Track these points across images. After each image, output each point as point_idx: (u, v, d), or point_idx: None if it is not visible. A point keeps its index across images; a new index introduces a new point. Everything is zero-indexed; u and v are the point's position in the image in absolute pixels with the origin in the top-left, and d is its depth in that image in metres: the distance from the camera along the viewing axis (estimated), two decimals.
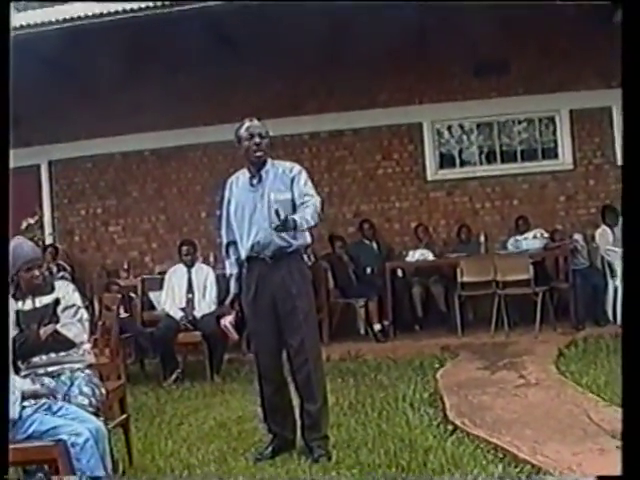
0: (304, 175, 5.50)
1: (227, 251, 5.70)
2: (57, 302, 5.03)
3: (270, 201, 5.38)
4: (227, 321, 5.59)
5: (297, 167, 5.56)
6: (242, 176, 5.62)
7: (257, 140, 5.42)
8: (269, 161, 5.52)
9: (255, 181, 5.49)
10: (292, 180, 5.45)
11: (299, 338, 5.43)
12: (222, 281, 9.34)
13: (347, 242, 11.14)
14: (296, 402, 5.63)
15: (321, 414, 5.51)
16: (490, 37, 10.35)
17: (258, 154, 5.44)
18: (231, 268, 5.69)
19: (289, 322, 5.43)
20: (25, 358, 4.92)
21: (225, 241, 5.68)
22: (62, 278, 5.89)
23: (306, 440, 5.49)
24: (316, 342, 5.62)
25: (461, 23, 9.83)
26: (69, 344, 4.99)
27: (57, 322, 4.96)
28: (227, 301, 5.63)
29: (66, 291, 5.13)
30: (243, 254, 5.50)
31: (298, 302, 5.43)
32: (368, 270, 10.77)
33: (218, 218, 5.90)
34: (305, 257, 5.70)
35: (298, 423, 5.59)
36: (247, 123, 5.52)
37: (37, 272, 4.97)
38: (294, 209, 5.37)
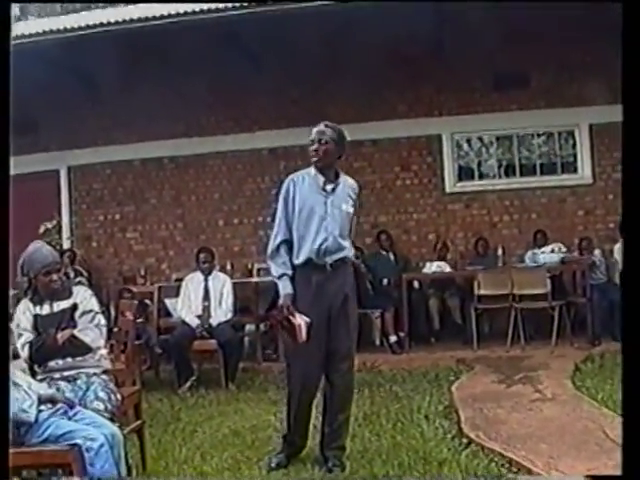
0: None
1: (277, 249, 5.44)
2: (75, 307, 5.05)
3: (342, 211, 5.43)
4: (303, 321, 5.35)
5: (356, 185, 5.63)
6: (307, 177, 5.48)
7: (315, 147, 5.43)
8: (341, 174, 5.54)
9: (329, 187, 5.44)
10: (356, 196, 5.54)
11: (348, 345, 5.46)
12: (239, 289, 9.42)
13: (364, 252, 11.12)
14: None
15: (346, 424, 5.53)
16: (510, 50, 10.37)
17: (314, 159, 5.44)
18: (282, 268, 5.41)
19: (341, 330, 5.42)
20: (42, 362, 4.94)
21: (280, 239, 5.44)
22: (79, 283, 5.89)
23: (323, 449, 5.45)
24: (354, 353, 5.67)
25: (481, 36, 9.85)
26: (86, 349, 5.01)
27: (75, 327, 4.99)
28: (280, 301, 5.44)
29: (84, 296, 5.16)
30: (302, 257, 5.38)
31: (351, 310, 5.50)
32: (385, 281, 10.74)
33: (273, 214, 5.83)
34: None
35: (319, 431, 5.57)
36: (315, 127, 5.52)
37: (55, 276, 4.99)
38: (351, 219, 5.51)
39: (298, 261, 5.38)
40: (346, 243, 5.47)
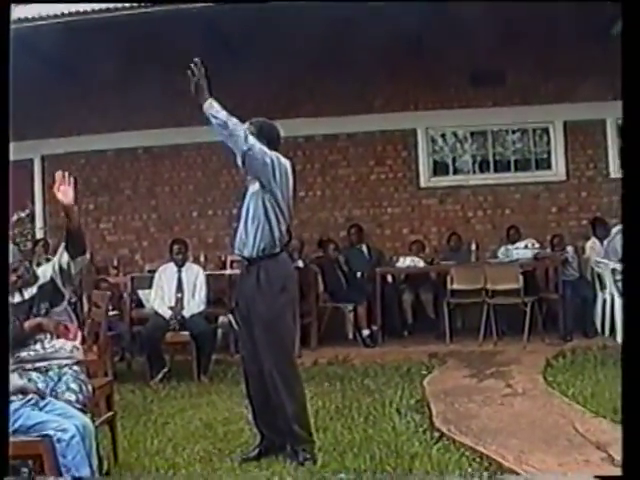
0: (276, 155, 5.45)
1: None
2: (42, 286, 5.01)
3: (248, 195, 5.45)
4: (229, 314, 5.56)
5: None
6: None
7: None
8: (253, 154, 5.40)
9: (247, 178, 5.54)
10: (277, 172, 5.39)
11: (263, 348, 5.37)
12: (213, 281, 9.40)
13: (339, 246, 11.14)
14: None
15: (294, 421, 5.39)
16: (487, 47, 10.39)
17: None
18: None
19: (256, 329, 5.39)
20: (11, 351, 4.90)
21: None
22: (43, 262, 5.82)
23: (290, 443, 5.45)
24: (282, 353, 5.43)
25: (459, 32, 9.87)
26: (61, 296, 4.99)
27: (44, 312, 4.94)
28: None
29: (45, 269, 5.11)
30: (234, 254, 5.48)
31: (260, 311, 5.35)
32: (358, 275, 10.77)
33: None
34: (283, 262, 5.55)
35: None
36: None
37: (13, 277, 4.91)
38: (263, 199, 5.33)
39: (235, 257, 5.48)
40: (254, 229, 5.34)
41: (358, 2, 8.97)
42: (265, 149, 5.33)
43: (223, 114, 5.20)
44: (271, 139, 5.52)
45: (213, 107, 5.21)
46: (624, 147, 3.48)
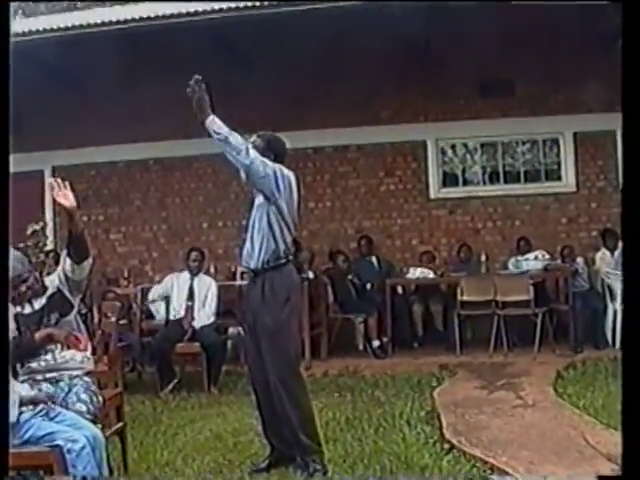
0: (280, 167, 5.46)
1: None
2: (51, 297, 5.01)
3: (254, 208, 5.47)
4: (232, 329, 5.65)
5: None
6: None
7: None
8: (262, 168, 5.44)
9: (254, 191, 5.55)
10: (279, 183, 5.40)
11: (268, 358, 5.37)
12: (223, 292, 9.41)
13: (349, 258, 11.15)
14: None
15: (302, 432, 5.37)
16: (496, 58, 10.41)
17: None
18: None
19: (261, 340, 5.40)
20: (20, 361, 4.90)
21: None
22: (48, 274, 5.80)
23: (300, 454, 5.42)
24: (286, 364, 5.42)
25: (467, 43, 9.89)
26: (69, 306, 4.99)
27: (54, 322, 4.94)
28: None
29: (52, 279, 5.10)
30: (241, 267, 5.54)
31: (265, 322, 5.37)
32: (368, 286, 10.76)
33: None
34: (288, 273, 5.54)
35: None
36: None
37: (23, 288, 4.91)
38: (268, 211, 5.36)
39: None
40: (259, 241, 5.38)
41: (366, 13, 8.98)
42: (267, 162, 5.35)
43: (225, 130, 5.26)
44: (278, 152, 5.57)
45: (215, 123, 5.29)
46: (624, 151, 3.47)
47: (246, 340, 5.68)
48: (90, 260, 4.97)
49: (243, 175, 5.35)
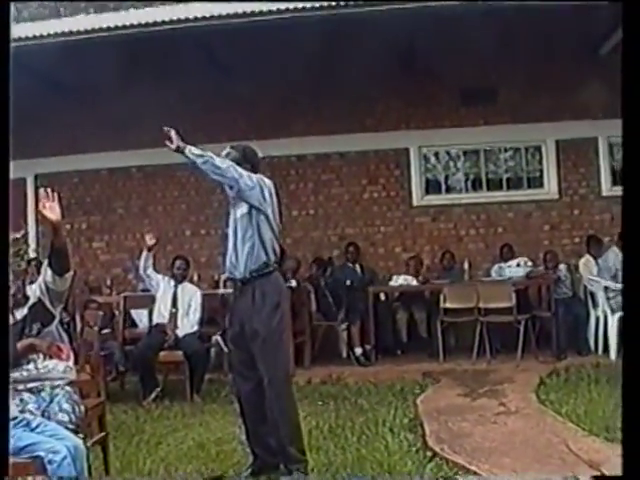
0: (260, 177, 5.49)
1: None
2: (32, 307, 4.99)
3: (236, 219, 5.48)
4: (218, 335, 5.69)
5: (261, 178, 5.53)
6: None
7: None
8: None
9: (231, 204, 5.56)
10: (261, 194, 5.43)
11: (259, 364, 5.40)
12: (207, 301, 9.39)
13: (333, 265, 11.18)
14: None
15: (289, 441, 5.39)
16: (478, 66, 10.45)
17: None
18: None
19: (252, 347, 5.42)
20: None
21: None
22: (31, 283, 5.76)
23: (284, 463, 5.43)
24: (278, 370, 5.46)
25: (450, 51, 9.92)
26: (51, 316, 4.97)
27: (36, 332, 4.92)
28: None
29: (34, 289, 5.08)
30: (223, 276, 5.59)
31: (256, 328, 5.38)
32: (351, 294, 10.74)
33: None
34: (275, 280, 5.59)
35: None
36: (223, 152, 5.57)
37: None
38: (251, 221, 5.41)
39: (224, 278, 5.56)
40: (246, 250, 5.41)
41: (350, 21, 9.00)
42: (251, 174, 5.40)
43: (206, 152, 5.29)
44: (254, 162, 5.62)
45: (194, 150, 5.31)
46: (623, 161, 3.49)
47: (233, 348, 5.69)
48: (72, 272, 4.95)
49: (229, 190, 5.38)
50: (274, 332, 5.42)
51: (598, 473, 4.93)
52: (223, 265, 5.66)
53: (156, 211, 12.24)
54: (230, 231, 5.51)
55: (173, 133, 5.32)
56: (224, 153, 5.50)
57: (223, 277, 10.24)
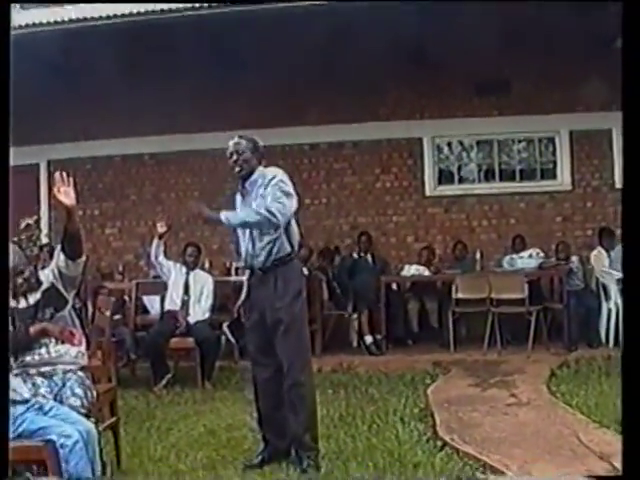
0: (279, 178, 5.48)
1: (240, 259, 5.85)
2: (46, 291, 5.00)
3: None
4: (225, 325, 5.73)
5: (277, 171, 5.55)
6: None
7: (234, 158, 5.49)
8: (257, 172, 5.53)
9: (245, 193, 5.59)
10: (268, 184, 5.45)
11: (280, 351, 5.45)
12: (218, 288, 9.39)
13: (342, 254, 11.19)
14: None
15: (304, 428, 5.46)
16: (493, 56, 10.40)
17: (236, 170, 5.51)
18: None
19: (274, 334, 5.46)
20: (14, 355, 4.89)
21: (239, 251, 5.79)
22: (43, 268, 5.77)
23: (295, 450, 5.49)
24: (299, 356, 5.54)
25: (464, 41, 9.87)
26: (64, 301, 4.98)
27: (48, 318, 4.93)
28: (235, 306, 5.78)
29: (47, 274, 5.09)
30: (241, 265, 5.63)
31: (280, 316, 5.43)
32: (363, 283, 10.74)
33: None
34: (297, 267, 5.71)
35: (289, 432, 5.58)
36: (231, 141, 5.58)
37: (20, 281, 4.89)
38: None
39: (241, 267, 5.60)
40: (267, 240, 5.45)
41: (363, 10, 8.97)
42: (284, 189, 5.44)
43: (240, 215, 5.50)
44: (262, 152, 5.64)
45: (229, 217, 5.47)
46: (624, 150, 3.47)
47: (251, 336, 5.71)
48: (84, 257, 4.96)
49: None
50: (296, 319, 5.50)
51: (608, 466, 4.92)
52: (237, 254, 5.69)
53: (169, 198, 12.25)
54: None
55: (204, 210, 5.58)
56: (233, 142, 5.51)
57: (235, 264, 10.26)
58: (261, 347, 5.58)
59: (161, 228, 9.09)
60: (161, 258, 9.25)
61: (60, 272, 4.94)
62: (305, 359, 5.62)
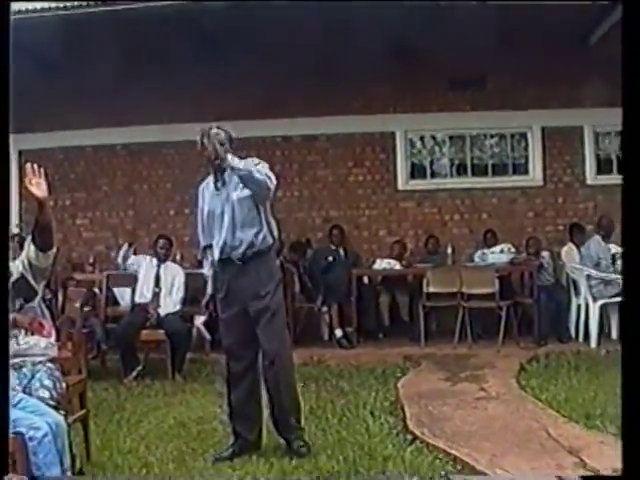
0: (262, 163, 5.55)
1: (204, 254, 5.84)
2: (15, 282, 4.95)
3: (233, 201, 5.52)
4: (200, 322, 5.72)
5: (256, 160, 5.58)
6: (210, 181, 5.74)
7: (210, 148, 5.40)
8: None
9: (219, 184, 5.61)
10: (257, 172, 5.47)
11: (266, 339, 5.51)
12: (190, 280, 9.35)
13: (313, 246, 11.20)
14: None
15: (290, 412, 5.61)
16: (467, 52, 10.41)
17: (216, 162, 5.46)
18: (207, 270, 5.90)
19: (258, 323, 5.50)
20: None
21: (202, 245, 5.81)
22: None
23: (281, 435, 5.64)
24: (285, 343, 5.68)
25: (439, 36, 9.88)
26: (33, 292, 4.94)
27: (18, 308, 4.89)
28: (203, 301, 5.77)
29: (17, 265, 5.04)
30: (215, 256, 5.60)
31: (266, 303, 5.49)
32: (334, 276, 10.75)
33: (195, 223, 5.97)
34: (274, 257, 5.81)
35: (270, 419, 5.69)
36: (206, 131, 5.53)
37: None
38: (256, 203, 5.51)
39: (216, 260, 5.62)
40: (250, 231, 5.51)
41: (339, 5, 8.96)
42: (268, 170, 5.54)
43: (244, 163, 5.42)
44: (232, 143, 5.68)
45: (235, 160, 5.38)
46: (623, 150, 3.52)
47: (228, 329, 5.69)
48: (55, 249, 4.93)
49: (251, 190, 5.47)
50: (281, 306, 5.65)
51: (577, 459, 4.96)
52: (216, 248, 5.64)
53: (141, 189, 12.19)
54: (225, 213, 5.53)
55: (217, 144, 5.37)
56: (214, 132, 5.46)
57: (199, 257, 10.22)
58: (240, 339, 5.60)
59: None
60: (130, 260, 9.27)
61: (30, 263, 4.89)
62: (289, 346, 5.78)
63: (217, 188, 5.61)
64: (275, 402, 5.60)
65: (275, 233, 5.69)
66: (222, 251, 5.55)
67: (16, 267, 4.99)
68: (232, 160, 5.33)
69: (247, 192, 5.48)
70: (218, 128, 5.56)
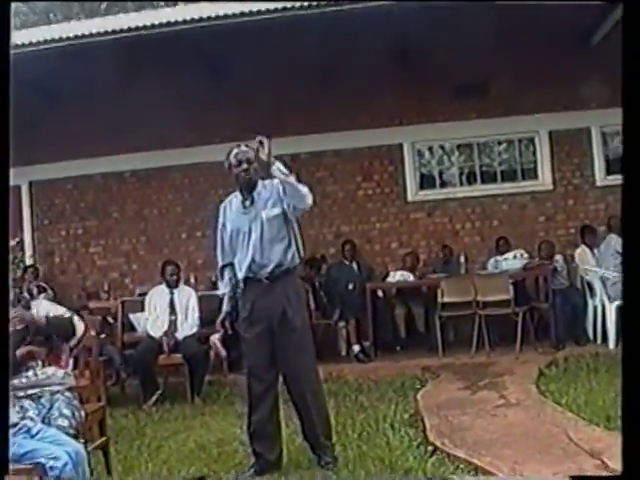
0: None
1: (222, 272, 5.78)
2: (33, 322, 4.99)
3: (263, 220, 5.50)
4: (216, 338, 5.69)
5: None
6: (235, 199, 5.71)
7: (245, 166, 5.53)
8: (260, 182, 5.60)
9: (247, 203, 5.60)
10: (279, 191, 5.50)
11: (294, 359, 5.52)
12: (204, 302, 9.36)
13: (328, 262, 11.19)
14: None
15: (321, 431, 5.64)
16: (470, 59, 10.42)
17: (247, 179, 5.52)
18: (224, 288, 5.77)
19: (285, 343, 5.49)
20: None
21: (221, 264, 5.76)
22: (40, 295, 5.79)
23: (313, 452, 5.65)
24: (312, 362, 5.70)
25: (442, 45, 9.91)
26: (72, 330, 4.97)
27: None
28: (218, 319, 5.72)
29: (47, 308, 5.10)
30: (240, 275, 5.57)
31: (294, 323, 5.49)
32: (349, 291, 10.74)
33: (213, 242, 5.93)
34: (297, 276, 5.78)
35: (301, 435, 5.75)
36: (235, 150, 5.62)
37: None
38: (286, 221, 5.53)
39: (240, 279, 5.59)
40: (279, 249, 5.50)
41: (342, 18, 8.99)
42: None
43: (289, 178, 5.44)
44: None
45: (280, 167, 5.42)
46: (623, 150, 3.51)
47: (252, 348, 5.64)
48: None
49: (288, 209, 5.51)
50: (308, 324, 5.67)
51: (599, 462, 4.94)
52: (229, 266, 5.68)
53: (151, 214, 12.24)
54: (253, 232, 5.52)
55: (267, 145, 5.37)
56: (241, 151, 5.58)
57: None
58: (263, 359, 5.57)
59: None
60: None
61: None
62: (315, 364, 5.76)
63: (245, 206, 5.59)
64: (305, 422, 5.62)
65: (302, 252, 5.68)
66: (249, 269, 5.52)
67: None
68: (279, 166, 5.35)
69: (277, 210, 5.50)
70: (246, 146, 5.62)
